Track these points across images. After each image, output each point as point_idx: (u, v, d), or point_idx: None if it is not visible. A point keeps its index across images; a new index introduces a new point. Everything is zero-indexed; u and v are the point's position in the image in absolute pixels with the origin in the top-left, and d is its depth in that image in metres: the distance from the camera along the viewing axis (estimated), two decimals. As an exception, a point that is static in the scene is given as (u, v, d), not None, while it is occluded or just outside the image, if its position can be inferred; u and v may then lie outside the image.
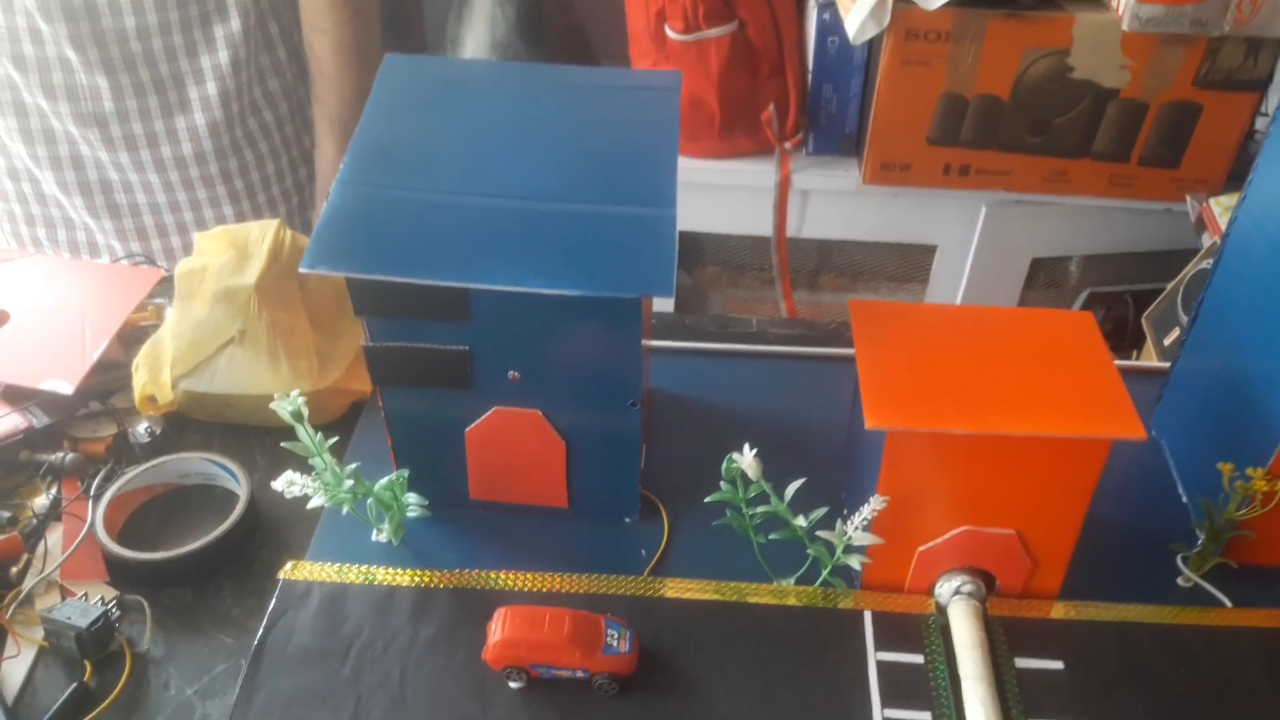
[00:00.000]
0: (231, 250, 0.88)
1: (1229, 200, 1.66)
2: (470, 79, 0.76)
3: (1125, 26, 1.60)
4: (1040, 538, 0.68)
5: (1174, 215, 1.87)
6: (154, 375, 0.86)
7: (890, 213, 1.97)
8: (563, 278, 0.63)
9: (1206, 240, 1.70)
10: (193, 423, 0.88)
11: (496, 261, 0.64)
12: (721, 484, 0.71)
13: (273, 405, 0.71)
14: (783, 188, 1.97)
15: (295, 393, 0.71)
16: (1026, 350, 0.68)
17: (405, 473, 0.73)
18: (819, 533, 0.69)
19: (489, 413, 0.73)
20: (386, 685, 0.67)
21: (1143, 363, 0.91)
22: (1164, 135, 1.76)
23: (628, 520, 0.79)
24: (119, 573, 0.76)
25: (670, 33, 1.79)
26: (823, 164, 1.97)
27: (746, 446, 0.68)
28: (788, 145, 1.96)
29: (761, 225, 2.03)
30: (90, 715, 0.67)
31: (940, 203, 1.92)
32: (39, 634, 0.71)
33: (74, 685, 0.68)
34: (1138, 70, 1.69)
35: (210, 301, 0.86)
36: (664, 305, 2.01)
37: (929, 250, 1.98)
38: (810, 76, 1.89)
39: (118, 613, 0.72)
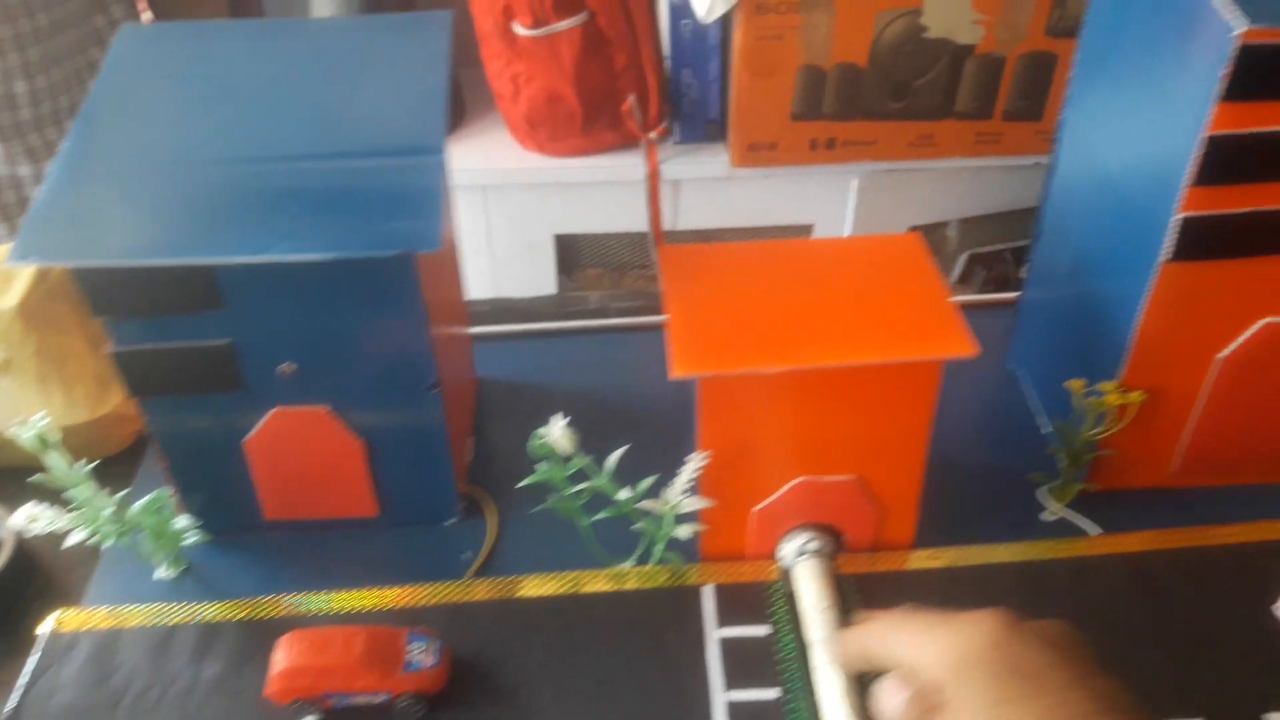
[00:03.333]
0: (-11, 273, 0.78)
1: (1093, 146, 1.65)
2: (215, 39, 0.68)
3: (970, -21, 1.58)
4: (884, 481, 0.62)
5: (1042, 169, 1.85)
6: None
7: (764, 195, 1.93)
8: (313, 241, 0.55)
9: (1077, 189, 1.69)
10: (-42, 471, 0.78)
11: (241, 232, 0.56)
12: (537, 465, 0.64)
13: (10, 433, 0.61)
14: (653, 180, 1.91)
15: (39, 415, 0.62)
16: (850, 279, 0.62)
17: (164, 492, 0.64)
18: (642, 504, 0.62)
19: (268, 416, 0.65)
20: (164, 736, 0.58)
21: (995, 295, 0.86)
22: (1024, 88, 1.75)
23: (449, 523, 0.71)
24: None
25: (519, 29, 1.73)
26: (691, 151, 1.92)
27: (557, 418, 0.61)
28: (653, 136, 1.91)
29: (637, 221, 1.98)
30: None
31: (812, 179, 1.89)
32: None
33: None
34: (991, 24, 1.68)
35: (-34, 331, 0.76)
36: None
37: (807, 229, 1.95)
38: (668, 63, 1.84)
39: None
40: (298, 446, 0.66)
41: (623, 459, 0.62)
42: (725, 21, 1.72)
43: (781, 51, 1.68)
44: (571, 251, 2.08)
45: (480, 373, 0.83)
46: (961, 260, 1.89)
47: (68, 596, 0.68)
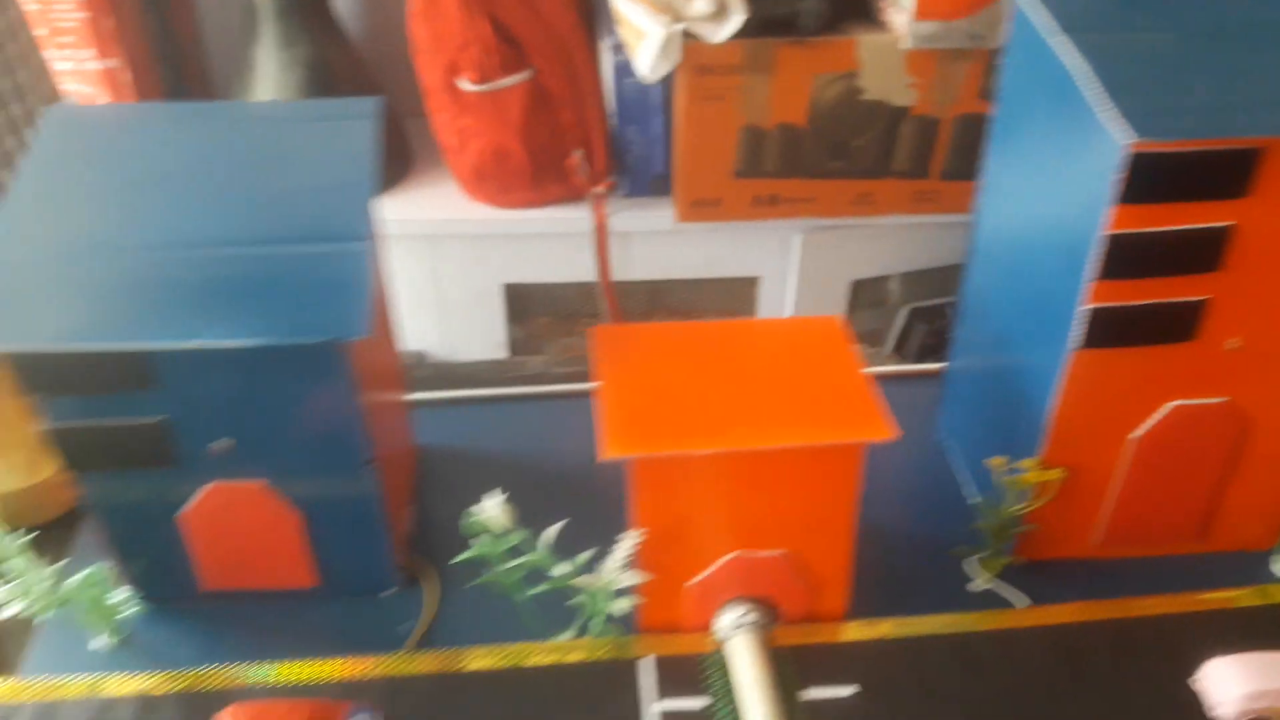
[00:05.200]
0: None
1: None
2: (140, 123, 0.69)
3: (905, 45, 1.64)
4: (814, 556, 0.64)
5: (980, 226, 1.90)
6: None
7: (709, 248, 1.96)
8: (243, 327, 0.56)
9: (1011, 247, 1.74)
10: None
11: (172, 316, 0.57)
12: (473, 540, 0.64)
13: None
14: (600, 232, 1.95)
15: (-30, 491, 0.61)
16: (774, 361, 0.64)
17: (102, 567, 0.63)
18: (578, 580, 0.63)
19: (205, 490, 0.65)
20: (94, 819, 0.57)
21: (926, 365, 0.89)
22: (959, 148, 1.80)
23: (387, 594, 0.71)
24: None
25: (464, 85, 1.75)
26: (637, 205, 1.95)
27: (490, 495, 0.62)
28: (599, 189, 1.93)
29: (587, 271, 2.00)
30: None
31: (756, 234, 1.92)
32: None
33: None
34: (924, 87, 1.73)
35: (-102, 398, 0.75)
36: (489, 355, 1.95)
37: (752, 282, 1.98)
38: (614, 119, 1.87)
39: None
40: (235, 520, 0.66)
41: (562, 529, 0.63)
42: (667, 81, 1.75)
43: (722, 111, 1.72)
44: (521, 301, 2.09)
45: (420, 440, 0.83)
46: (903, 314, 1.93)
47: (4, 666, 0.67)
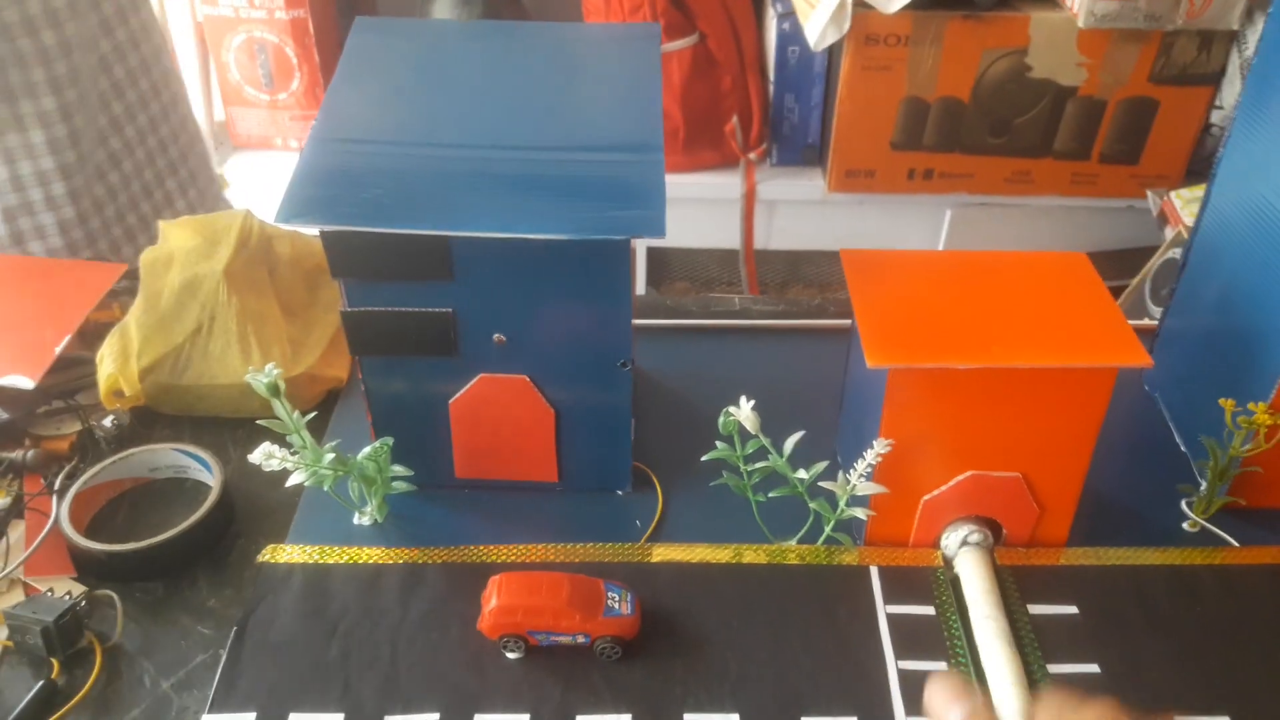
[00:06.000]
0: (198, 238, 0.85)
1: (1190, 193, 1.69)
2: (443, 36, 0.75)
3: (1081, 23, 1.63)
4: (1047, 481, 0.67)
5: (1135, 212, 1.89)
6: (121, 365, 0.82)
7: (856, 221, 1.98)
8: (548, 223, 0.61)
9: (1169, 234, 1.72)
10: (161, 417, 0.84)
11: (479, 211, 0.62)
12: (717, 442, 0.69)
13: (247, 378, 0.68)
14: (749, 199, 1.98)
15: (270, 365, 0.68)
16: (1023, 290, 0.67)
17: (389, 440, 0.70)
18: (821, 483, 0.67)
19: (474, 381, 0.70)
20: (376, 664, 0.63)
21: (1132, 321, 0.90)
22: (1123, 132, 1.79)
23: (620, 493, 0.76)
24: (86, 568, 0.72)
25: (632, 46, 1.79)
26: (787, 174, 1.97)
27: (744, 398, 0.66)
28: (752, 156, 1.96)
29: (729, 238, 2.03)
30: (59, 713, 0.63)
31: (906, 209, 1.93)
32: (1, 633, 0.67)
33: (41, 683, 0.64)
34: (1094, 67, 1.72)
35: (177, 289, 0.83)
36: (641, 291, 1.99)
37: (897, 256, 1.98)
38: (772, 87, 1.90)
39: (86, 606, 0.68)
40: (497, 411, 0.71)
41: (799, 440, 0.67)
42: (832, 50, 1.77)
43: (887, 82, 1.74)
44: (660, 265, 2.14)
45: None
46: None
47: (267, 539, 0.73)
